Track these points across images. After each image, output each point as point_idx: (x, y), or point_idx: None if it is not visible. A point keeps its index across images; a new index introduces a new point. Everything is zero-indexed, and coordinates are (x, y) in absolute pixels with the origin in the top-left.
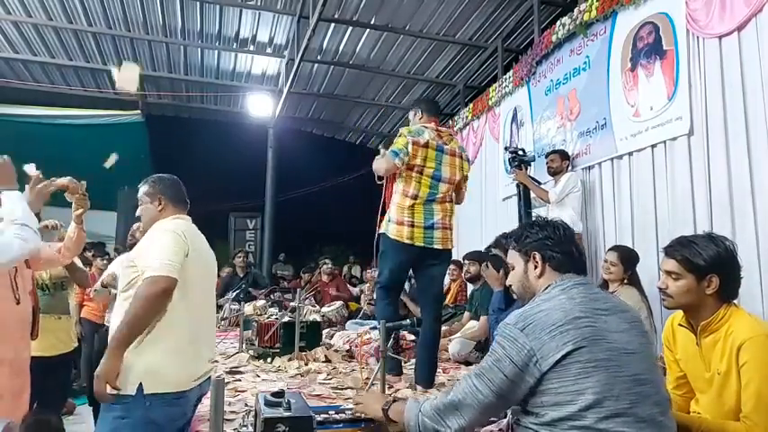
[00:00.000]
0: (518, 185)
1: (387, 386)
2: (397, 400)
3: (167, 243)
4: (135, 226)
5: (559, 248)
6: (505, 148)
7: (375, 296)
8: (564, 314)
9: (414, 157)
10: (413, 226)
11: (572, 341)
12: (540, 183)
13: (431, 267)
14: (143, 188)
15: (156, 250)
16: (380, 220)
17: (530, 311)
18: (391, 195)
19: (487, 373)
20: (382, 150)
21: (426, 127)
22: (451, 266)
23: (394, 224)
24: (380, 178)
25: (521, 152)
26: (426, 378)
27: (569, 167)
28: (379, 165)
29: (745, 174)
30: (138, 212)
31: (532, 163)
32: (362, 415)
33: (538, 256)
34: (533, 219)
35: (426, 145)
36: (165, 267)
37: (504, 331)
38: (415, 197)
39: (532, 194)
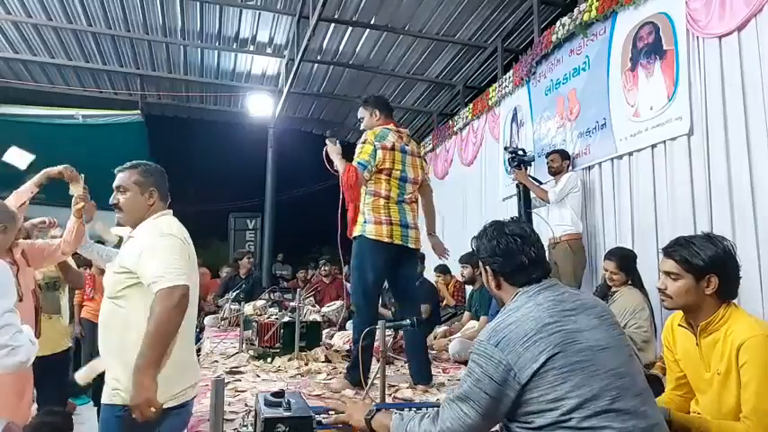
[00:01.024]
0: (518, 185)
1: (387, 386)
2: (380, 410)
3: (171, 248)
4: None
5: (509, 263)
6: (505, 148)
7: (358, 304)
8: (535, 323)
9: (383, 161)
10: (391, 224)
11: (546, 350)
12: (540, 183)
13: (406, 267)
14: (131, 175)
15: (160, 258)
16: (350, 226)
17: (501, 325)
18: (354, 200)
19: (470, 395)
20: (331, 140)
21: (389, 129)
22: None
23: (372, 224)
24: (334, 167)
25: (521, 152)
26: (424, 376)
27: (570, 167)
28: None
29: (745, 174)
30: (116, 199)
31: (532, 163)
32: (343, 423)
33: (489, 271)
34: (487, 226)
35: (393, 148)
36: (177, 276)
37: (478, 349)
38: (388, 197)
39: (532, 194)
